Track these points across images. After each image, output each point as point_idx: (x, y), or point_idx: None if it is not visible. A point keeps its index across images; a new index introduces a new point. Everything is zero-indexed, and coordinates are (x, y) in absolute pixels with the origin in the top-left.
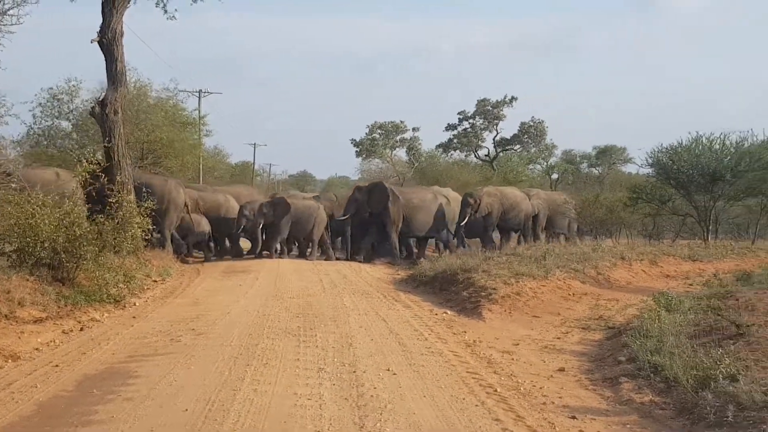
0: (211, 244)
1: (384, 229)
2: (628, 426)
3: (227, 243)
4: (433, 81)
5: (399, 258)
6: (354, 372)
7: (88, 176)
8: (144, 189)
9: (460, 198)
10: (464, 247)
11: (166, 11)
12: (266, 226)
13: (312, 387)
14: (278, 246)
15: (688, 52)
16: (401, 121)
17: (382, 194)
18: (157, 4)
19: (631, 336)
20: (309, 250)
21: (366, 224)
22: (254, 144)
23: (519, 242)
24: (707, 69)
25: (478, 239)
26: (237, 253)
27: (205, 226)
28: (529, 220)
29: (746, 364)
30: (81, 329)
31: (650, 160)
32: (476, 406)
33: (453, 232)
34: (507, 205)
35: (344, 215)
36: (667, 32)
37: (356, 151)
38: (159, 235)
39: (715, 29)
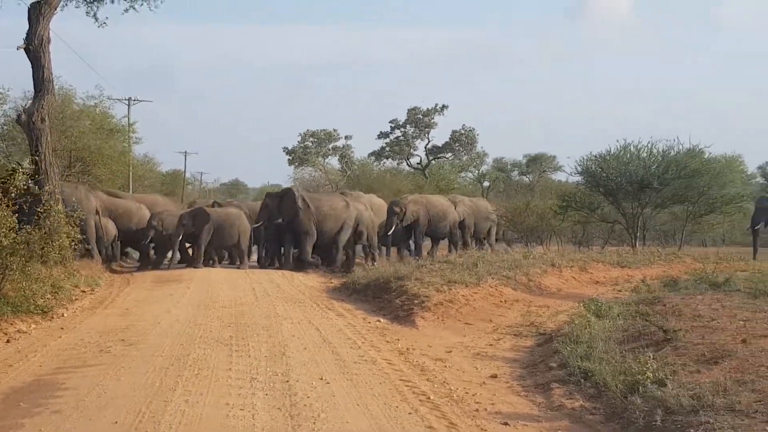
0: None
1: (297, 237)
2: (559, 431)
3: (152, 253)
4: (365, 89)
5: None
6: (287, 381)
7: (22, 186)
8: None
9: (385, 206)
10: (388, 255)
11: (96, 19)
12: (187, 236)
13: (244, 397)
14: (215, 257)
15: (616, 60)
16: (334, 130)
17: (292, 201)
18: (87, 12)
19: (562, 342)
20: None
21: (283, 232)
22: (185, 152)
23: (450, 250)
24: (635, 76)
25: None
26: (156, 264)
27: (112, 230)
28: (455, 228)
29: (674, 369)
30: (7, 341)
31: (579, 168)
32: (409, 413)
33: (369, 241)
34: (433, 213)
35: (257, 223)
36: (595, 40)
37: (288, 159)
38: (89, 246)
39: (641, 36)
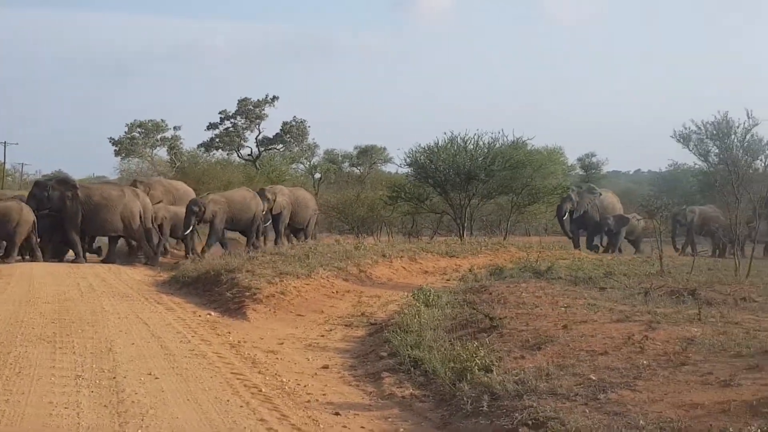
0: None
1: (63, 226)
2: (390, 420)
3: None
4: (194, 79)
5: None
6: (114, 378)
7: None
8: None
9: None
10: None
11: None
12: None
13: (69, 395)
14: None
15: (439, 55)
16: (162, 120)
17: (60, 190)
18: None
19: (392, 331)
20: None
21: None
22: (4, 143)
23: (249, 243)
24: (458, 70)
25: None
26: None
27: None
28: (258, 221)
29: (499, 356)
30: None
31: (409, 160)
32: (241, 407)
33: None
34: (236, 209)
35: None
36: (420, 36)
37: (115, 150)
38: None
39: (462, 32)
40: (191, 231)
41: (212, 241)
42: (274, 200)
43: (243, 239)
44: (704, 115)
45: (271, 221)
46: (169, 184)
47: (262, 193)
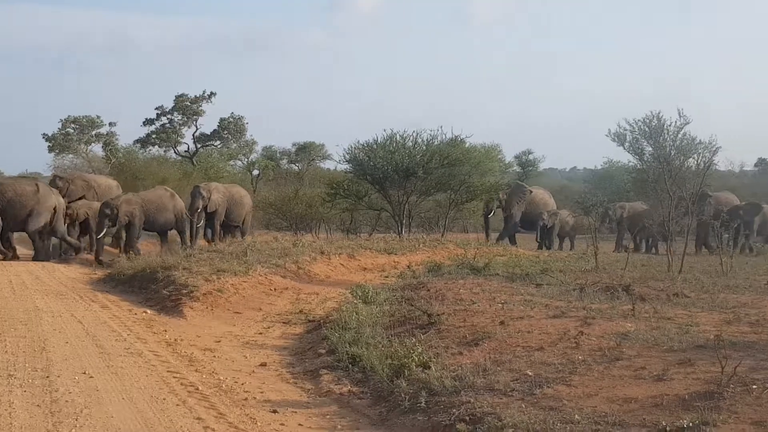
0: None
1: None
2: (328, 417)
3: None
4: (129, 75)
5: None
6: (47, 377)
7: None
8: None
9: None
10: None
11: None
12: None
13: (1, 395)
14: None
15: (377, 52)
16: (97, 116)
17: None
18: None
19: (331, 329)
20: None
21: None
22: None
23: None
24: (394, 68)
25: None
26: None
27: None
28: (181, 221)
29: (437, 352)
30: None
31: (347, 157)
32: (177, 405)
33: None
34: (152, 209)
35: None
36: (355, 31)
37: (48, 146)
38: None
39: (397, 32)
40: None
41: (132, 243)
42: (209, 198)
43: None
44: (640, 113)
45: (205, 219)
46: (91, 179)
47: (196, 191)
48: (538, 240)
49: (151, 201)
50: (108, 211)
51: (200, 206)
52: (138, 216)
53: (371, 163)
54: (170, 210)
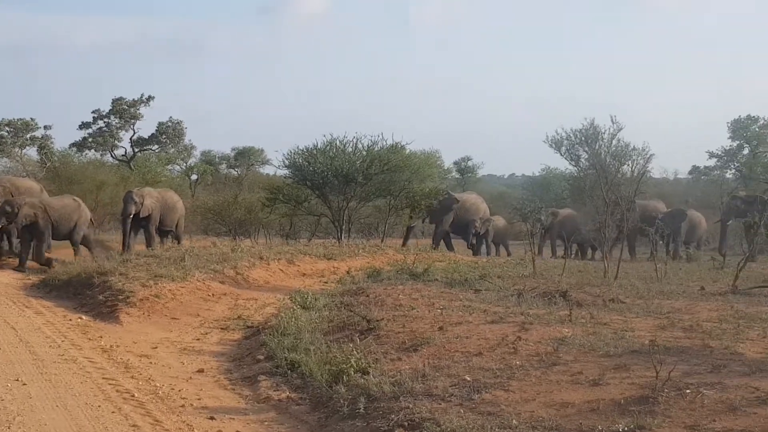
0: None
1: None
2: (266, 423)
3: None
4: (65, 77)
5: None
6: None
7: None
8: None
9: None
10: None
11: None
12: None
13: None
14: None
15: (318, 55)
16: (31, 119)
17: None
18: None
19: (269, 334)
20: None
21: None
22: None
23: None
24: (334, 71)
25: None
26: None
27: None
28: (82, 228)
29: (376, 357)
30: None
31: (287, 162)
32: (113, 412)
33: None
34: (56, 216)
35: None
36: (288, 37)
37: None
38: None
39: (334, 34)
40: None
41: (41, 250)
42: (142, 203)
43: (113, 243)
44: (575, 121)
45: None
46: (10, 182)
47: (129, 196)
48: (470, 246)
49: (55, 208)
50: (8, 209)
51: (132, 211)
52: (43, 220)
53: (311, 168)
54: (74, 220)
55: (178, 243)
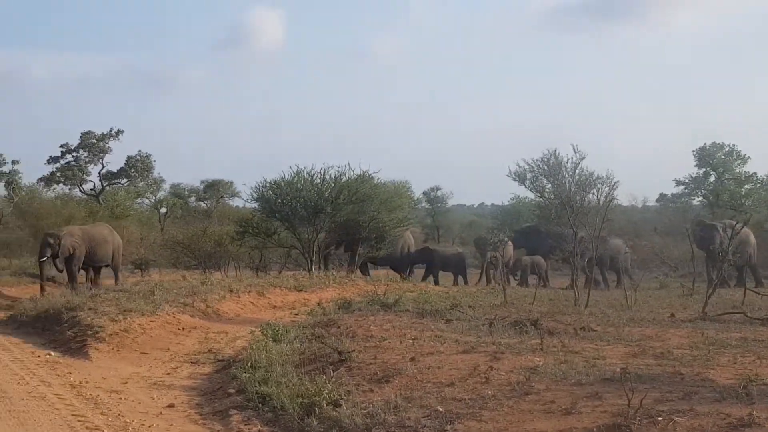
0: None
1: None
2: None
3: None
4: (32, 112)
5: None
6: None
7: None
8: None
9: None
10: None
11: None
12: None
13: None
14: None
15: (281, 88)
16: (0, 154)
17: None
18: None
19: (240, 368)
20: None
21: None
22: None
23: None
24: (299, 104)
25: None
26: None
27: None
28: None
29: (348, 389)
30: None
31: (255, 195)
32: None
33: None
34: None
35: None
36: (254, 67)
37: None
38: None
39: (299, 69)
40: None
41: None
42: (59, 244)
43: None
44: (541, 150)
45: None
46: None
47: (45, 240)
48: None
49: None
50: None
51: (48, 254)
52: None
53: (279, 200)
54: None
55: (115, 278)
